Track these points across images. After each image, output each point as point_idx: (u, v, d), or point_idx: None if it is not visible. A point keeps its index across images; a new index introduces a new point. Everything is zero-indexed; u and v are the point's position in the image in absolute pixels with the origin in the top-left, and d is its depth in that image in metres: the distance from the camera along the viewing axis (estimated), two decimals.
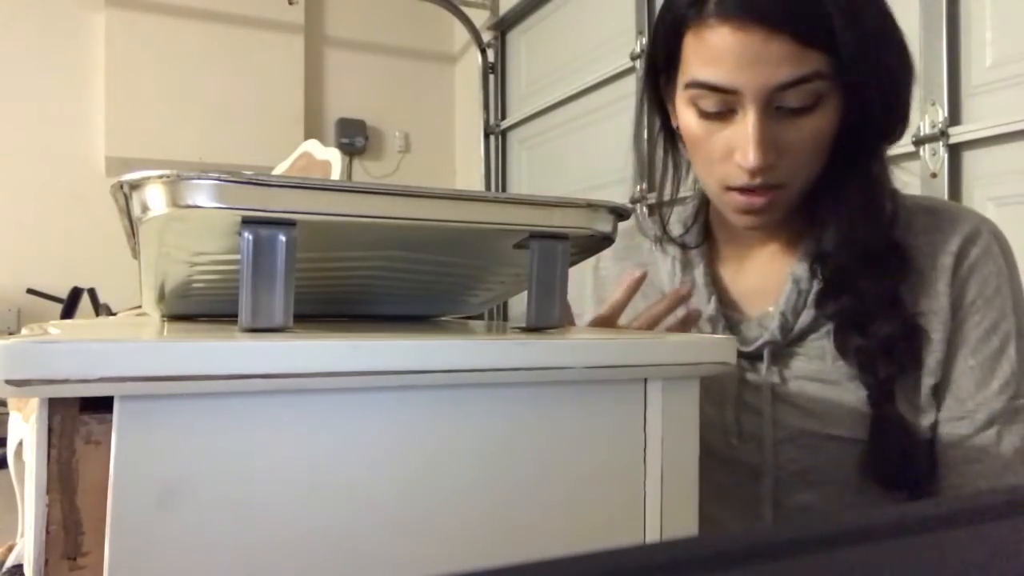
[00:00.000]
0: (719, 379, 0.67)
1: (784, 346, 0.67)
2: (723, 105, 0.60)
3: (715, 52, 0.58)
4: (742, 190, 0.62)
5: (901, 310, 0.62)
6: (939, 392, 0.64)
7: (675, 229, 0.76)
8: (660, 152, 0.72)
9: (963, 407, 0.62)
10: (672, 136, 0.71)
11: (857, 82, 0.58)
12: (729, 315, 0.71)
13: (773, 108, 0.59)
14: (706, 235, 0.75)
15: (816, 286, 0.66)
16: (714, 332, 0.70)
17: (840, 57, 0.57)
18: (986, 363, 0.62)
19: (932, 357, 0.63)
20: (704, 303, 0.71)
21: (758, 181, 0.60)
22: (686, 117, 0.64)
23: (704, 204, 0.76)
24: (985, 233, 0.64)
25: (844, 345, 0.64)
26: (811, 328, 0.66)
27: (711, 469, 0.57)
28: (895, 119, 0.63)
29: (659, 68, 0.67)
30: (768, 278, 0.70)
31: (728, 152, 0.61)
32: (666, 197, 0.73)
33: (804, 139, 0.60)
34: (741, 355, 0.67)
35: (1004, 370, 0.62)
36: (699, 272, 0.73)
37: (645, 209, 2.23)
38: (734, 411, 0.68)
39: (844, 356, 0.64)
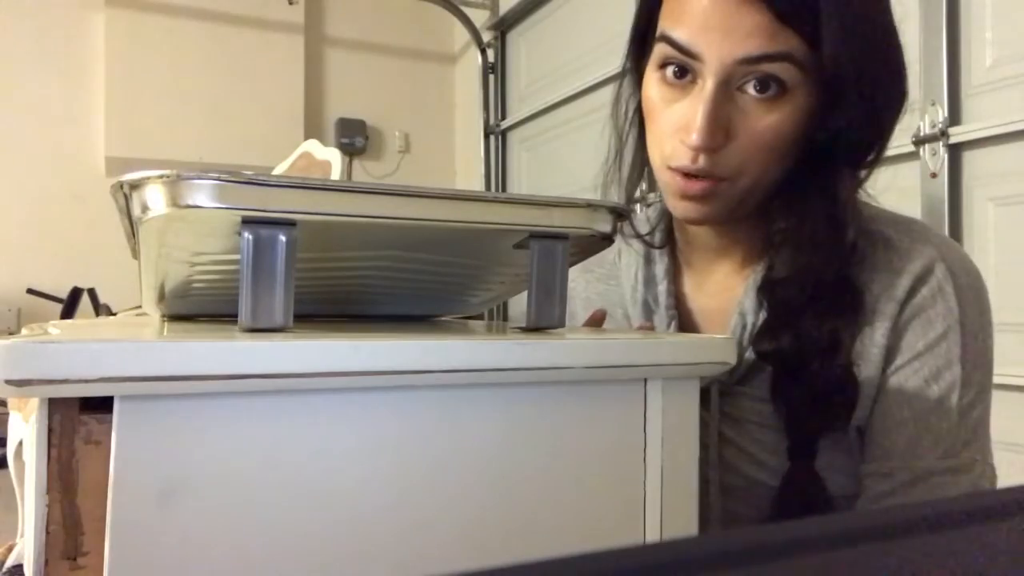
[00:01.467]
0: None
1: (731, 384, 0.61)
2: (684, 71, 0.56)
3: (686, 8, 0.54)
4: (683, 173, 0.57)
5: (839, 358, 0.57)
6: (866, 437, 0.59)
7: (641, 229, 0.71)
8: (631, 140, 0.67)
9: (889, 463, 0.57)
10: (643, 123, 0.65)
11: (834, 84, 0.53)
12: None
13: (734, 88, 0.54)
14: (669, 239, 0.70)
15: (760, 319, 0.60)
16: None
17: (819, 48, 0.52)
18: (921, 417, 0.56)
19: (861, 403, 0.58)
20: (663, 326, 0.67)
21: (700, 165, 0.55)
22: (650, 84, 0.59)
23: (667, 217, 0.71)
24: (938, 272, 0.58)
25: (776, 390, 0.59)
26: (758, 366, 0.60)
27: None
28: (870, 140, 0.58)
29: (639, 36, 0.63)
30: (725, 299, 0.65)
31: (677, 126, 0.56)
32: (634, 188, 0.69)
33: (760, 130, 0.54)
34: None
35: (940, 426, 0.56)
36: (662, 290, 0.68)
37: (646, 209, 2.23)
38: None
39: (774, 401, 0.59)
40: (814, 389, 0.56)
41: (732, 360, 0.46)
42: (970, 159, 1.48)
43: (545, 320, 0.47)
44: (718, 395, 0.61)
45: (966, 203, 1.46)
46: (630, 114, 0.67)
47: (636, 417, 0.45)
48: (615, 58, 2.63)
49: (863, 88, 0.54)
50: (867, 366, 0.58)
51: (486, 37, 3.20)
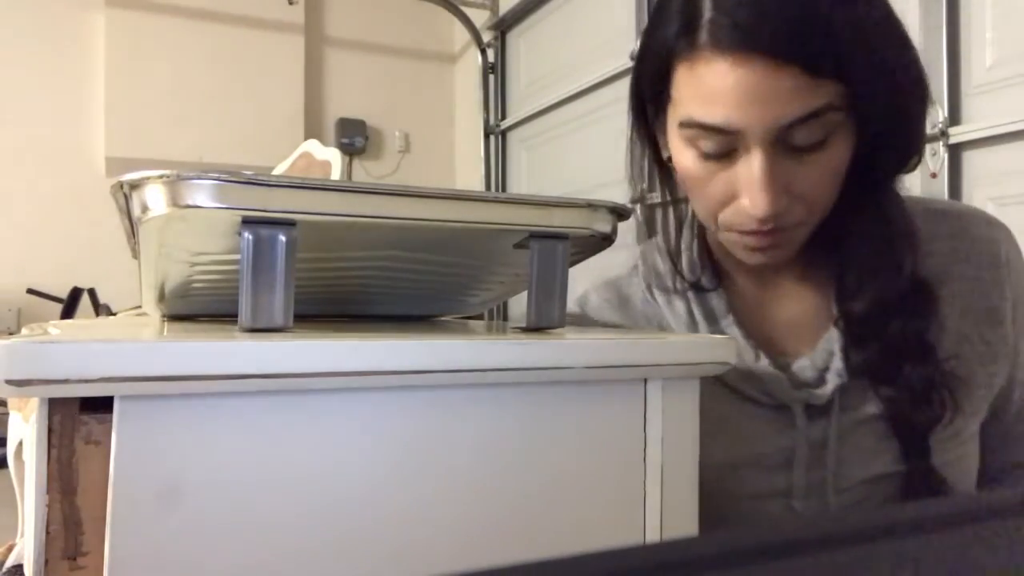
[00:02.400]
0: (775, 438, 0.62)
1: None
2: (724, 146, 0.53)
3: (713, 90, 0.51)
4: (749, 234, 0.56)
5: (930, 357, 0.58)
6: (1001, 400, 0.63)
7: (662, 271, 0.68)
8: (660, 189, 0.66)
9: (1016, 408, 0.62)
10: (664, 169, 0.64)
11: (871, 111, 0.52)
12: (782, 366, 0.63)
13: (781, 147, 0.52)
14: (717, 273, 0.67)
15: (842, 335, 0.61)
16: (770, 391, 0.62)
17: (852, 85, 0.51)
18: None
19: (997, 375, 0.61)
20: (752, 360, 0.62)
21: (768, 227, 0.54)
22: (683, 157, 0.57)
23: (704, 241, 0.68)
24: (1009, 233, 0.64)
25: (878, 396, 0.60)
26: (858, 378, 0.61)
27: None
28: (911, 147, 0.57)
29: (646, 99, 0.61)
30: (797, 311, 0.65)
31: (731, 195, 0.55)
32: (672, 238, 0.66)
33: (817, 178, 0.54)
34: (810, 408, 0.61)
35: None
36: (728, 323, 0.64)
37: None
38: (804, 470, 0.61)
39: (880, 404, 0.60)
40: (913, 391, 0.57)
41: (732, 360, 0.46)
42: (970, 159, 1.47)
43: (545, 320, 0.47)
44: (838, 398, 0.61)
45: (966, 203, 1.46)
46: (646, 166, 0.65)
47: (636, 417, 0.45)
48: (615, 58, 2.63)
49: (895, 101, 0.54)
50: (993, 330, 0.61)
51: (486, 37, 3.20)
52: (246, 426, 0.35)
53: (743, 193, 0.53)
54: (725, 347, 0.46)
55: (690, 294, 0.66)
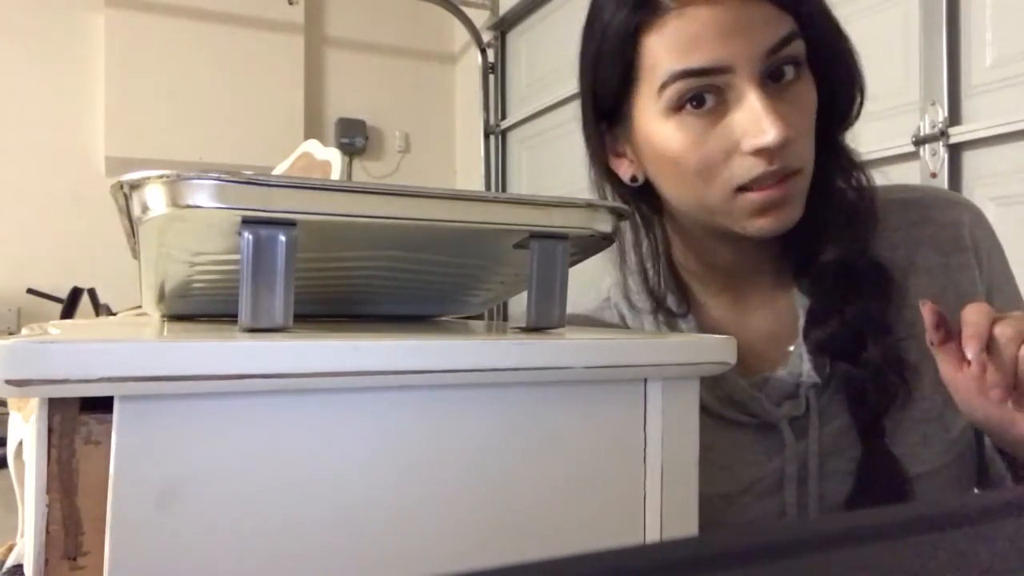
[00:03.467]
0: (765, 461, 0.62)
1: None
2: (711, 94, 0.53)
3: (692, 35, 0.52)
4: (758, 187, 0.54)
5: (888, 335, 0.59)
6: None
7: (635, 301, 0.67)
8: (630, 224, 0.65)
9: None
10: (630, 191, 0.64)
11: (822, 50, 0.55)
12: (762, 384, 0.63)
13: (768, 83, 0.53)
14: (685, 297, 0.67)
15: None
16: (753, 410, 0.62)
17: (803, 20, 0.54)
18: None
19: None
20: (732, 383, 0.62)
21: (777, 165, 0.53)
22: (661, 132, 0.56)
23: (669, 266, 0.67)
24: (976, 211, 0.64)
25: (833, 377, 0.60)
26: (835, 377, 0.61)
27: None
28: (855, 93, 0.59)
29: (601, 103, 0.60)
30: (767, 329, 0.64)
31: (732, 146, 0.53)
32: (648, 266, 0.66)
33: (802, 111, 0.54)
34: (793, 421, 0.61)
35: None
36: (691, 328, 0.65)
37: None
38: (795, 488, 0.61)
39: (836, 387, 0.60)
40: (867, 369, 0.58)
41: (732, 360, 0.46)
42: (970, 159, 1.48)
43: (545, 320, 0.47)
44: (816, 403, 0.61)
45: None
46: (613, 196, 0.65)
47: (636, 417, 0.45)
48: None
49: (836, 44, 0.57)
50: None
51: (486, 37, 3.20)
52: (246, 426, 0.35)
53: (748, 133, 0.52)
54: (725, 347, 0.46)
55: (661, 318, 0.66)
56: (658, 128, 0.56)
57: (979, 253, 0.63)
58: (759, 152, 0.53)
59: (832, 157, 0.60)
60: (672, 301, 0.66)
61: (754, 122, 0.52)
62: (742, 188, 0.55)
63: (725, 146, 0.54)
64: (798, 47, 0.54)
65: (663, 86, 0.54)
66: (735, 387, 0.62)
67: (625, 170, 0.62)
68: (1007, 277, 0.64)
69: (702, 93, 0.54)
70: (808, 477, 0.61)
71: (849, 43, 0.59)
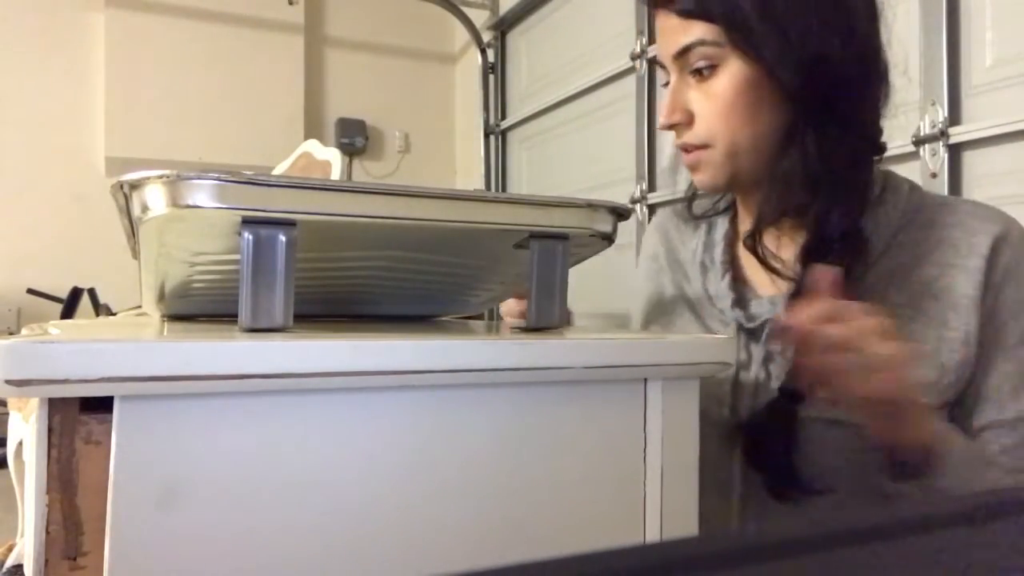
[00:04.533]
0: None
1: None
2: (665, 77, 0.70)
3: (656, 32, 0.71)
4: (683, 149, 0.69)
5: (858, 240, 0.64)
6: (972, 397, 0.63)
7: (703, 207, 0.82)
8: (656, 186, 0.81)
9: (1003, 414, 0.62)
10: None
11: (755, 46, 0.64)
12: (741, 292, 0.73)
13: (687, 74, 0.67)
14: (732, 214, 0.79)
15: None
16: (720, 308, 0.72)
17: (721, 24, 0.64)
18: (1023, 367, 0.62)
19: (949, 355, 0.62)
20: (718, 279, 0.73)
21: (680, 140, 0.68)
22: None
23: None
24: (1016, 233, 0.64)
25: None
26: None
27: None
28: (827, 81, 0.64)
29: None
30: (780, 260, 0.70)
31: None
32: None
33: (710, 99, 0.66)
34: (745, 331, 0.69)
35: None
36: (718, 251, 0.76)
37: (646, 209, 2.24)
38: (730, 385, 0.68)
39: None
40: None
41: (731, 360, 0.46)
42: (970, 159, 1.47)
43: (545, 320, 0.47)
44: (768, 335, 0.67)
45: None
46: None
47: (636, 417, 0.45)
48: (615, 58, 2.63)
49: (792, 40, 0.63)
50: (957, 316, 0.63)
51: (486, 37, 3.20)
52: (246, 426, 0.35)
53: None
54: (725, 347, 0.46)
55: (703, 229, 0.79)
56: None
57: (994, 267, 0.63)
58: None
59: (804, 138, 0.65)
60: (723, 201, 0.80)
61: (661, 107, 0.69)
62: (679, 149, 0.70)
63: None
64: (704, 51, 0.65)
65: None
66: (720, 284, 0.74)
67: None
68: None
69: (664, 77, 0.70)
70: (753, 382, 0.68)
71: (831, 33, 0.64)
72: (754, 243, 0.68)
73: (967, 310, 0.62)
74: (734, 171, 0.68)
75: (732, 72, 0.65)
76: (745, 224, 0.75)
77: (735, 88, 0.65)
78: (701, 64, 0.66)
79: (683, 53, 0.66)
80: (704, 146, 0.67)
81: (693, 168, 0.70)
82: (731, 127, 0.66)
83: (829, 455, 0.63)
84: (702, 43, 0.65)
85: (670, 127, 0.69)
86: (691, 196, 0.81)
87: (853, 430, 0.62)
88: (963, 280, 0.63)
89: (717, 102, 0.66)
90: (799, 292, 0.63)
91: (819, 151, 0.64)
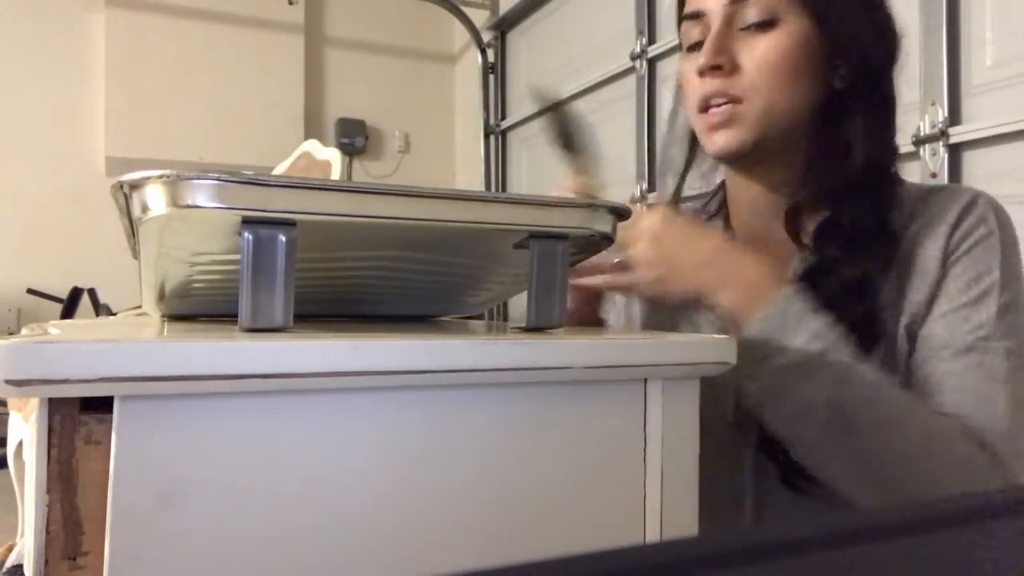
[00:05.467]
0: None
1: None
2: (700, 34, 0.67)
3: None
4: (706, 108, 0.66)
5: (868, 299, 0.63)
6: (910, 342, 0.64)
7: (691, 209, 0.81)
8: (683, 144, 0.77)
9: (931, 347, 0.62)
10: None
11: (813, 8, 0.63)
12: None
13: (736, 29, 0.65)
14: (722, 208, 0.78)
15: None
16: (709, 318, 0.70)
17: None
18: (961, 310, 0.62)
19: (913, 319, 0.63)
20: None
21: (714, 86, 0.65)
22: (682, 65, 0.71)
23: (722, 190, 0.79)
24: (982, 203, 0.65)
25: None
26: None
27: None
28: (873, 86, 0.67)
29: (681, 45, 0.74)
30: (777, 266, 0.70)
31: (695, 75, 0.67)
32: (682, 185, 0.79)
33: (761, 55, 0.64)
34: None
35: (979, 316, 0.61)
36: None
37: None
38: (733, 394, 0.67)
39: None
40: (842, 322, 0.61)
41: (732, 360, 0.46)
42: (970, 159, 1.48)
43: (545, 320, 0.47)
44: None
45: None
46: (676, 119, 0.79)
47: (636, 417, 0.45)
48: (615, 58, 2.63)
49: (855, 33, 0.64)
50: (921, 280, 0.63)
51: (486, 37, 3.20)
52: (246, 426, 0.35)
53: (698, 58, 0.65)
54: (725, 347, 0.46)
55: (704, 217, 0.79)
56: (680, 61, 0.72)
57: (957, 230, 0.64)
58: (702, 76, 0.66)
59: (846, 124, 0.66)
60: (713, 201, 0.79)
61: (702, 52, 0.65)
62: (699, 110, 0.67)
63: (692, 72, 0.67)
64: (767, 3, 0.63)
65: (679, 27, 0.70)
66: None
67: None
68: (984, 277, 0.63)
69: (696, 40, 0.67)
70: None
71: (879, 47, 0.67)
72: (794, 219, 0.67)
73: (932, 274, 0.63)
74: (763, 134, 0.65)
75: (789, 30, 0.64)
76: (739, 220, 0.75)
77: (788, 47, 0.64)
78: (758, 18, 0.64)
79: (740, 1, 0.64)
80: (739, 100, 0.65)
81: (721, 125, 0.66)
82: (775, 85, 0.64)
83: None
84: None
85: (713, 68, 0.64)
86: (678, 197, 0.79)
87: None
88: (931, 245, 0.64)
89: (768, 56, 0.64)
90: (813, 273, 0.64)
91: (865, 136, 0.65)
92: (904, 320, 0.63)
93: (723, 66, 0.64)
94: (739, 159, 0.68)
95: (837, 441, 0.57)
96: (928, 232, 0.64)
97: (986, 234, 0.63)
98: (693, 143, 0.75)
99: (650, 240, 0.62)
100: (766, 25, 0.64)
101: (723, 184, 0.78)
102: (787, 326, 0.58)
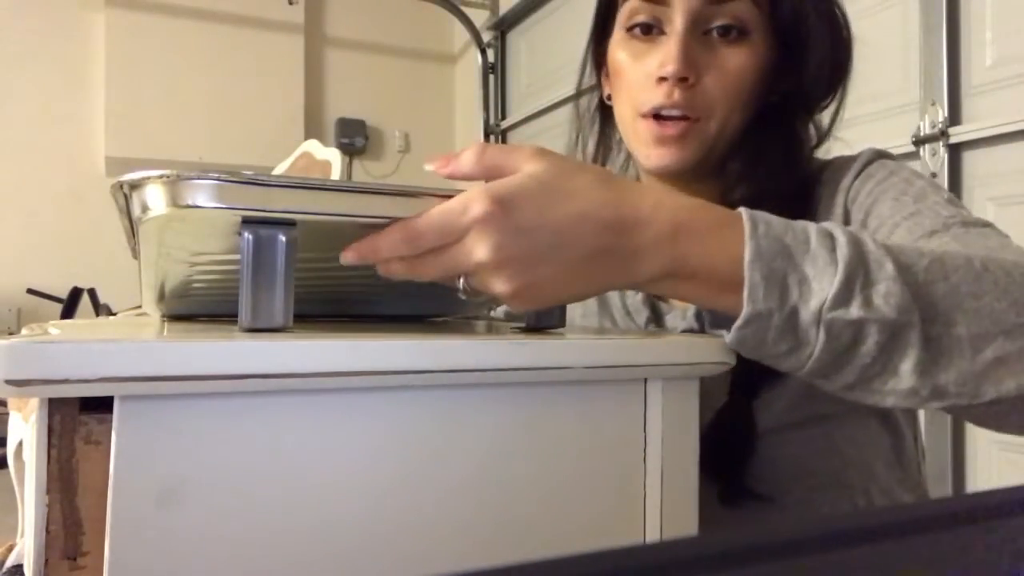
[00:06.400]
0: None
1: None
2: (650, 28, 0.61)
3: None
4: (657, 117, 0.60)
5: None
6: None
7: None
8: (595, 128, 0.73)
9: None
10: (604, 112, 0.72)
11: (786, 36, 0.61)
12: (655, 304, 0.68)
13: (701, 32, 0.60)
14: None
15: None
16: (638, 324, 0.68)
17: (773, 6, 0.60)
18: (909, 219, 0.56)
19: None
20: (632, 293, 0.68)
21: (675, 99, 0.59)
22: (617, 47, 0.65)
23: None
24: (878, 158, 0.63)
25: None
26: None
27: None
28: (819, 97, 0.64)
29: (601, 22, 0.69)
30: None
31: (649, 76, 0.61)
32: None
33: (727, 68, 0.60)
34: None
35: (931, 212, 0.55)
36: None
37: None
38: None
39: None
40: None
41: (732, 360, 0.46)
42: (970, 159, 1.48)
43: (545, 320, 0.47)
44: None
45: (966, 203, 1.46)
46: (592, 108, 0.73)
47: (636, 417, 0.45)
48: None
49: (811, 47, 0.61)
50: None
51: (486, 37, 3.20)
52: (246, 426, 0.35)
53: (659, 62, 0.60)
54: (725, 347, 0.46)
55: None
56: (615, 45, 0.65)
57: (860, 175, 0.61)
58: (661, 81, 0.60)
59: (783, 136, 0.63)
60: None
61: (667, 54, 0.59)
62: (644, 115, 0.61)
63: (645, 74, 0.62)
64: (740, 10, 0.59)
65: (621, 5, 0.64)
66: (631, 301, 0.68)
67: (605, 87, 0.71)
68: (891, 188, 0.59)
69: (646, 23, 0.62)
70: None
71: (840, 34, 0.63)
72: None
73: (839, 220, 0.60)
74: (709, 153, 0.62)
75: (757, 47, 0.61)
76: None
77: (754, 66, 0.61)
78: (731, 24, 0.59)
79: (718, 2, 0.59)
80: (696, 119, 0.61)
81: (669, 140, 0.60)
82: (733, 105, 0.61)
83: (789, 461, 0.59)
84: (747, 1, 0.59)
85: (681, 81, 0.59)
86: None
87: (818, 431, 0.59)
88: (839, 200, 0.62)
89: (734, 72, 0.60)
90: None
91: (792, 148, 0.63)
92: None
93: (690, 79, 0.59)
94: (674, 175, 0.63)
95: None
96: (830, 200, 0.62)
97: (888, 170, 0.61)
98: (604, 138, 0.72)
99: (480, 234, 0.38)
100: (735, 36, 0.60)
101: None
102: (798, 251, 0.41)
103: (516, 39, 3.15)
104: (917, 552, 0.18)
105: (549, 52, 2.90)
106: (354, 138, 3.34)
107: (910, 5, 1.49)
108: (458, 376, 0.39)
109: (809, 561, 0.17)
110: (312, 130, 3.21)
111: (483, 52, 3.18)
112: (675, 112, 0.60)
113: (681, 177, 0.64)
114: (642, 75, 0.62)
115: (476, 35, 3.15)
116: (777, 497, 0.58)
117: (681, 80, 0.59)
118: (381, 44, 3.46)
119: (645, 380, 0.45)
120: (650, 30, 0.62)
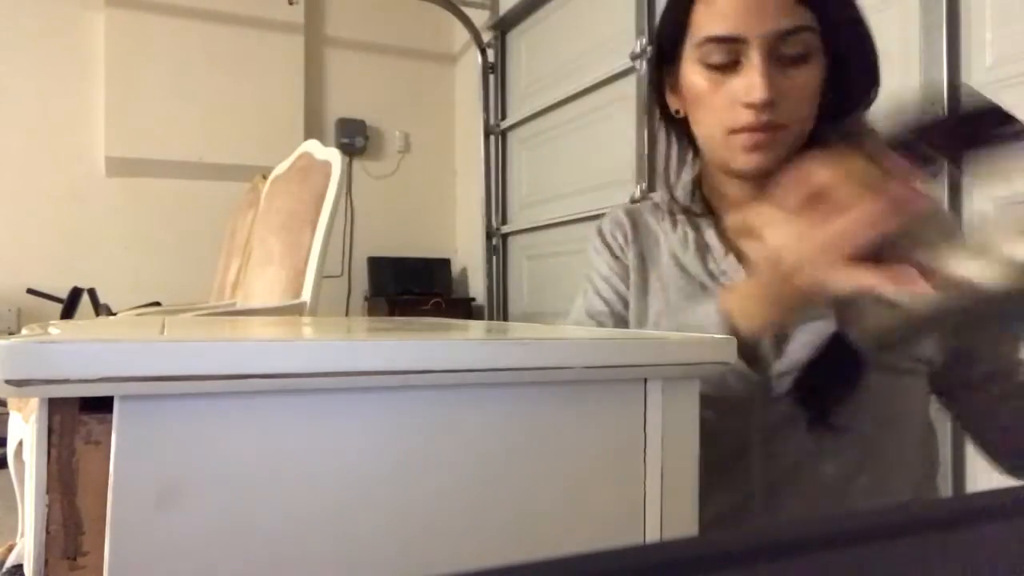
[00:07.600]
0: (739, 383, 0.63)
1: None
2: (730, 56, 0.69)
3: (724, 8, 0.69)
4: (747, 130, 0.69)
5: None
6: None
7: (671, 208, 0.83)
8: (663, 139, 0.82)
9: None
10: (672, 123, 0.80)
11: (838, 41, 0.69)
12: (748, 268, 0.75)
13: (773, 59, 0.68)
14: (705, 207, 0.81)
15: None
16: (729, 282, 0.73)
17: (825, 16, 0.68)
18: None
19: None
20: (721, 257, 0.76)
21: (764, 118, 0.68)
22: (694, 77, 0.73)
23: (697, 181, 0.82)
24: None
25: None
26: None
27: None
28: (869, 82, 0.72)
29: (664, 51, 0.76)
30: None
31: (734, 99, 0.69)
32: (672, 175, 0.82)
33: (798, 89, 0.69)
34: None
35: None
36: (710, 233, 0.78)
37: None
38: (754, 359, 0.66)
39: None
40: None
41: (732, 360, 0.46)
42: (970, 159, 1.47)
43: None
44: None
45: (966, 203, 1.46)
46: (658, 120, 0.82)
47: (636, 417, 0.45)
48: (615, 58, 2.63)
49: (855, 39, 0.70)
50: None
51: (486, 37, 3.20)
52: (246, 426, 0.35)
53: (746, 91, 0.68)
54: (725, 347, 0.46)
55: (687, 225, 0.80)
56: (692, 75, 0.73)
57: None
58: (750, 106, 0.68)
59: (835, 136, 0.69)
60: (695, 203, 0.81)
61: (751, 84, 0.68)
62: (734, 131, 0.70)
63: (728, 98, 0.70)
64: (806, 39, 0.67)
65: (698, 45, 0.71)
66: None
67: (673, 104, 0.79)
68: None
69: (723, 62, 0.70)
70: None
71: (869, 45, 0.72)
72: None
73: None
74: (788, 154, 0.70)
75: (817, 63, 0.69)
76: (736, 213, 0.76)
77: (815, 80, 0.69)
78: (796, 51, 0.68)
79: (783, 35, 0.67)
80: (782, 126, 0.69)
81: (760, 147, 0.70)
82: (805, 112, 0.70)
83: (892, 401, 0.68)
84: (808, 29, 0.67)
85: (770, 103, 0.68)
86: (643, 198, 0.82)
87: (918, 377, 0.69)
88: None
89: (804, 87, 0.69)
90: None
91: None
92: None
93: (774, 101, 0.68)
94: (765, 175, 0.72)
95: None
96: None
97: None
98: (684, 153, 0.79)
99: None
100: (801, 60, 0.68)
101: (697, 185, 0.82)
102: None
103: (516, 39, 3.15)
104: (917, 552, 0.18)
105: (549, 52, 2.90)
106: (354, 138, 3.34)
107: (910, 5, 1.49)
108: (458, 376, 0.39)
109: (809, 561, 0.17)
110: (312, 130, 3.21)
111: (483, 52, 3.18)
112: (759, 126, 0.69)
113: (765, 175, 0.73)
114: (727, 100, 0.70)
115: (476, 35, 3.15)
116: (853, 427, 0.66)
117: (766, 104, 0.68)
118: (381, 44, 3.46)
119: (645, 380, 0.45)
120: (722, 61, 0.70)
